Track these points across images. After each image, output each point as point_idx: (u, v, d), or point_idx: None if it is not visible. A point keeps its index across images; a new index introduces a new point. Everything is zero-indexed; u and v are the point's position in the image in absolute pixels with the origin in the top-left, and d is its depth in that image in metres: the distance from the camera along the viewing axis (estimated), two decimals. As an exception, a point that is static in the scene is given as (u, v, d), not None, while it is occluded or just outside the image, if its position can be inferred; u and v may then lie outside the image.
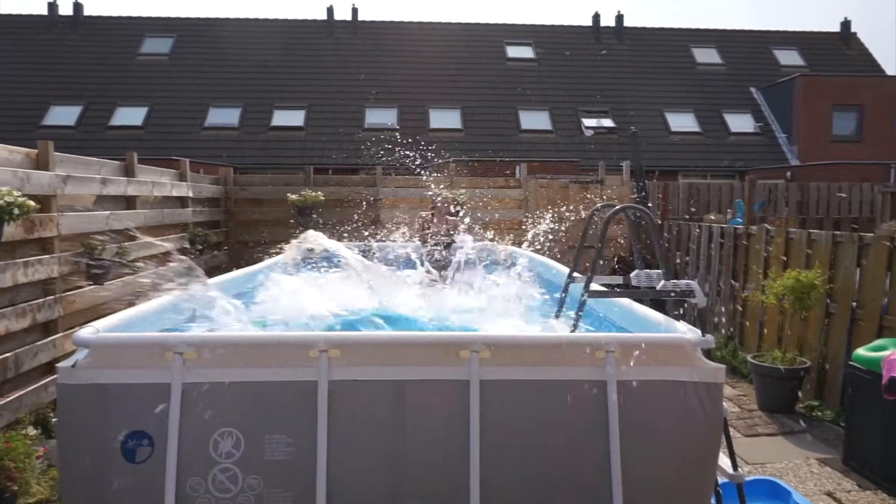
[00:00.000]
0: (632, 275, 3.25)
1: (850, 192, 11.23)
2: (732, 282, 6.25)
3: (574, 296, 3.37)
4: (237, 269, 6.77)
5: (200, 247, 6.98)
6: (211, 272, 7.72)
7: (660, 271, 3.13)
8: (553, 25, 25.62)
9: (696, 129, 21.78)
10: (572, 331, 2.77)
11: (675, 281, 2.91)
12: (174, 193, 6.69)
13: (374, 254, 6.82)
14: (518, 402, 2.34)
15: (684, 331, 2.58)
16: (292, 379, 2.29)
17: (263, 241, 8.46)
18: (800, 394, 4.85)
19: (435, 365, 2.33)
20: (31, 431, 3.91)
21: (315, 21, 25.15)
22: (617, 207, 3.00)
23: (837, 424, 4.57)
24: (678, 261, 7.67)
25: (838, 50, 25.25)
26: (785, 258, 5.39)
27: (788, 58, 24.53)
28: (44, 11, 24.27)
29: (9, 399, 3.82)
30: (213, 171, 9.42)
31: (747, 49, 24.70)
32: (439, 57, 23.36)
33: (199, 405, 2.26)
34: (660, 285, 2.91)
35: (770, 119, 22.29)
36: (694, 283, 2.90)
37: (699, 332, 2.56)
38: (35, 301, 4.14)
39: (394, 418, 2.30)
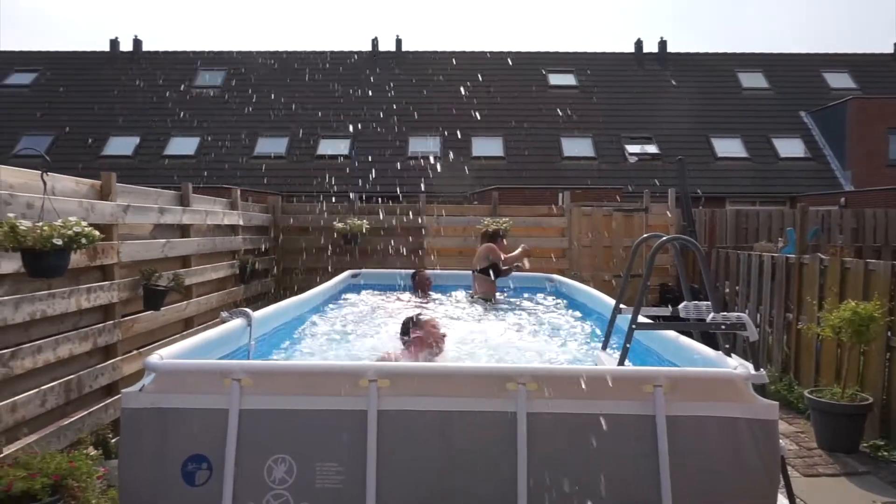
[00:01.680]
0: (680, 306, 3.22)
1: (910, 219, 10.80)
2: (786, 314, 6.07)
3: (621, 327, 3.35)
4: (285, 296, 6.95)
5: (249, 273, 7.17)
6: (259, 298, 7.94)
7: (708, 303, 3.10)
8: (595, 52, 25.69)
9: (744, 154, 21.36)
10: (619, 363, 2.75)
11: (725, 313, 2.87)
12: (226, 222, 6.93)
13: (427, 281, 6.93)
14: (565, 435, 2.34)
15: (735, 365, 2.54)
16: (343, 408, 2.35)
17: (309, 269, 8.69)
18: (863, 432, 4.65)
19: (482, 397, 2.35)
20: (92, 451, 4.06)
21: (360, 52, 25.86)
22: (663, 238, 2.99)
23: (904, 465, 4.36)
24: (726, 290, 7.50)
25: (892, 71, 24.52)
26: (840, 289, 5.23)
27: (839, 80, 23.94)
28: (106, 48, 25.62)
29: (72, 419, 3.98)
30: (261, 199, 9.71)
31: (795, 72, 24.23)
32: (481, 85, 23.64)
33: (254, 431, 2.34)
34: (709, 318, 2.87)
35: (821, 143, 21.71)
36: (745, 316, 2.86)
37: (751, 366, 2.51)
38: (96, 325, 4.33)
39: (441, 448, 2.33)
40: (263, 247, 8.45)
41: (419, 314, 4.14)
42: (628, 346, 2.79)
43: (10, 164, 3.80)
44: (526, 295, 6.79)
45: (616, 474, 2.31)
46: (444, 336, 3.88)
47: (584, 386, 2.36)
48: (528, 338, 4.59)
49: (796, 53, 25.42)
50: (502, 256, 6.58)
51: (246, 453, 2.30)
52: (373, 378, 2.33)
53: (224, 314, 3.52)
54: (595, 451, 2.32)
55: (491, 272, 6.44)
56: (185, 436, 2.34)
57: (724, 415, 2.33)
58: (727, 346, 2.84)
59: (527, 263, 6.92)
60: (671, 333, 3.29)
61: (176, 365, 2.41)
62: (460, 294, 6.75)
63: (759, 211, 11.11)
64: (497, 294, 6.60)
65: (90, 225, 4.24)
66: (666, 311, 3.36)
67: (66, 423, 3.92)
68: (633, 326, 2.77)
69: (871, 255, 7.62)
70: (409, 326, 3.95)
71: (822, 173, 20.89)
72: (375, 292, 6.87)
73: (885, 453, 4.58)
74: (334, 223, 8.47)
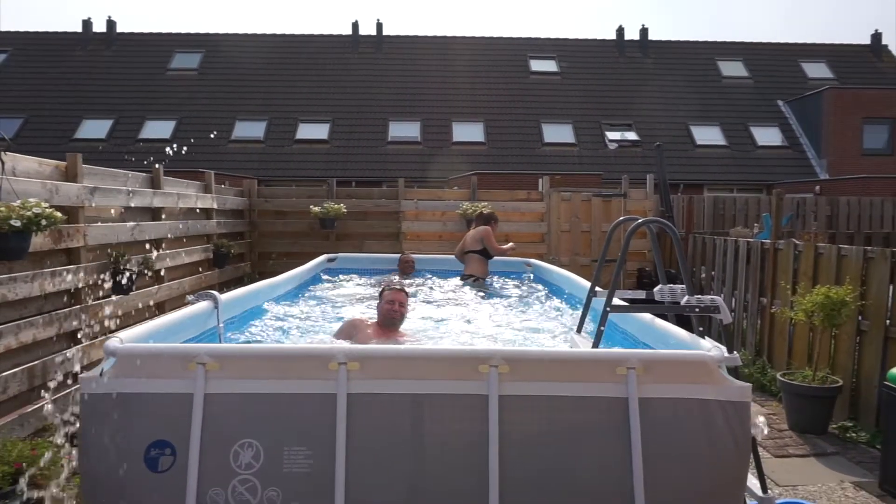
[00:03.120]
0: (655, 289, 3.20)
1: (882, 206, 10.98)
2: (760, 298, 6.13)
3: (596, 310, 3.33)
4: (260, 279, 6.86)
5: (224, 257, 7.05)
6: (234, 283, 7.82)
7: (683, 286, 3.09)
8: (576, 39, 25.64)
9: (723, 142, 21.53)
10: (594, 346, 2.73)
11: (699, 296, 2.86)
12: (199, 205, 6.79)
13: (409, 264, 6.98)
14: (537, 417, 2.31)
15: (709, 348, 2.53)
16: (312, 391, 2.29)
17: (285, 253, 8.58)
18: (833, 414, 4.72)
19: (454, 379, 2.31)
20: (58, 439, 3.96)
21: (340, 36, 25.50)
22: (639, 221, 2.97)
23: (873, 447, 4.42)
24: (703, 275, 7.56)
25: (868, 62, 24.83)
26: (814, 274, 5.28)
27: (817, 70, 24.19)
28: (79, 29, 24.96)
29: (36, 406, 3.88)
30: (238, 183, 9.55)
31: (774, 62, 24.42)
32: (463, 71, 23.52)
33: (220, 416, 2.28)
34: (684, 301, 2.86)
35: (798, 132, 21.96)
36: (719, 299, 2.85)
37: (724, 349, 2.51)
38: (62, 310, 4.21)
39: (412, 432, 2.29)
40: (239, 231, 8.32)
41: (388, 284, 4.24)
42: (602, 328, 2.77)
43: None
44: (504, 279, 6.80)
45: (589, 457, 2.29)
46: (400, 308, 3.99)
47: (556, 368, 2.34)
48: (504, 320, 4.57)
49: (775, 43, 25.61)
50: (494, 244, 6.68)
51: (211, 438, 2.24)
52: (342, 361, 2.28)
53: (190, 297, 3.44)
54: (568, 434, 2.30)
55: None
56: (147, 421, 2.27)
57: (696, 396, 2.32)
58: (701, 329, 2.84)
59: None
60: (646, 316, 3.28)
61: (137, 349, 2.33)
62: (454, 280, 6.73)
63: (735, 198, 11.21)
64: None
65: (54, 207, 4.13)
66: (641, 294, 3.35)
67: (30, 409, 3.81)
68: (608, 309, 2.75)
69: (844, 242, 7.73)
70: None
71: (799, 161, 21.15)
72: (351, 277, 6.82)
73: (854, 434, 4.65)
74: (311, 207, 8.36)
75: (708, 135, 21.66)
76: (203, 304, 3.34)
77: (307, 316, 4.69)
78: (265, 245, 8.76)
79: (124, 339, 2.46)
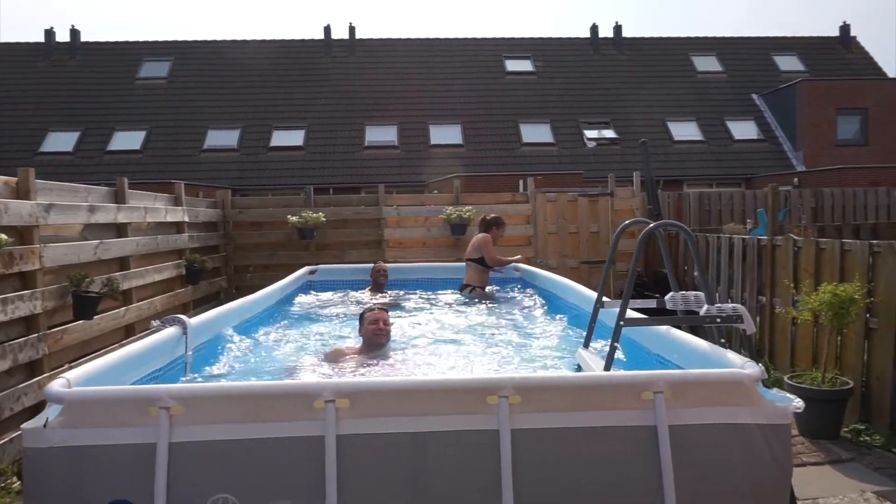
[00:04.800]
0: (667, 297, 2.95)
1: (866, 196, 10.94)
2: (759, 296, 5.93)
3: (604, 322, 3.07)
4: (238, 294, 6.51)
5: (198, 273, 6.68)
6: (210, 299, 7.44)
7: (700, 293, 2.84)
8: (551, 38, 25.54)
9: (699, 137, 21.56)
10: (607, 366, 2.45)
11: (719, 305, 2.61)
12: (169, 219, 6.41)
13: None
14: (556, 453, 2.03)
15: (740, 364, 2.28)
16: (295, 434, 1.99)
17: (264, 266, 8.21)
18: (844, 417, 4.51)
19: (459, 413, 2.02)
20: (15, 483, 3.59)
21: (312, 41, 25.10)
22: (654, 224, 2.70)
23: (889, 450, 4.22)
24: (695, 274, 7.36)
25: (839, 54, 25.10)
26: (815, 270, 5.09)
27: (789, 63, 24.37)
28: (41, 39, 24.21)
29: (-13, 449, 3.51)
30: (211, 194, 9.15)
31: (747, 56, 24.56)
32: (438, 73, 23.27)
33: (189, 468, 1.96)
34: (703, 310, 2.61)
35: (773, 125, 22.07)
36: (742, 308, 2.60)
37: (756, 364, 2.25)
38: (16, 340, 3.84)
39: (413, 476, 2.00)
40: (213, 244, 7.94)
41: (367, 308, 4.07)
42: (616, 345, 2.50)
43: None
44: (493, 286, 6.51)
45: (616, 495, 2.01)
46: (385, 327, 3.83)
47: (574, 396, 2.06)
48: (499, 335, 4.27)
49: (748, 37, 25.78)
50: (492, 254, 6.30)
51: (180, 495, 1.93)
52: (329, 398, 1.97)
53: (155, 323, 3.10)
54: (590, 470, 2.02)
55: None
56: (103, 479, 1.94)
57: (733, 421, 2.06)
58: (723, 340, 2.59)
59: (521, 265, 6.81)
60: (661, 327, 3.02)
61: (86, 393, 2.00)
62: (447, 291, 6.42)
63: (721, 193, 11.08)
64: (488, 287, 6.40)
65: (3, 227, 3.76)
66: (651, 302, 3.09)
67: (-20, 453, 3.44)
68: (622, 323, 2.48)
69: (832, 235, 7.60)
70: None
71: (775, 154, 21.25)
72: (334, 293, 6.45)
73: (867, 438, 4.45)
74: (288, 217, 8.01)
75: (685, 130, 21.67)
76: (170, 331, 3.01)
77: (288, 339, 4.34)
78: (242, 258, 8.38)
79: (72, 380, 2.13)
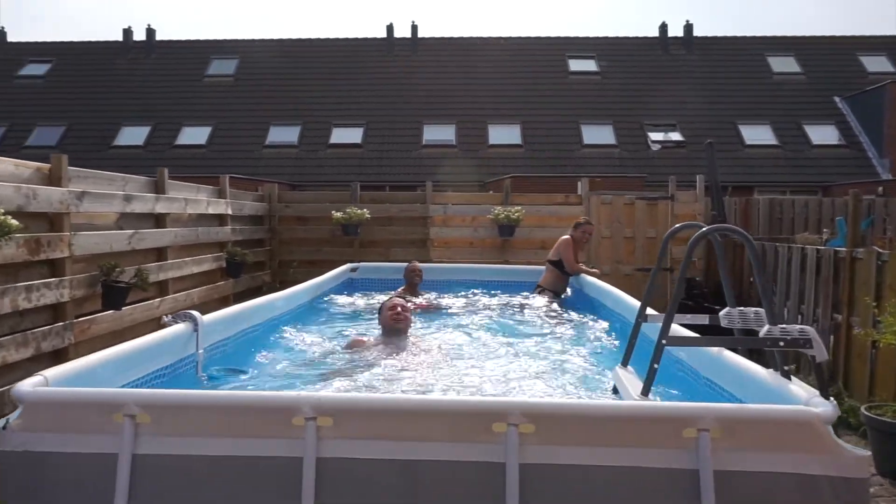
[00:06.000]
0: (722, 313, 2.56)
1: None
2: (834, 314, 5.35)
3: (648, 337, 2.70)
4: (280, 289, 6.39)
5: (239, 266, 6.62)
6: (252, 293, 7.39)
7: (760, 310, 2.43)
8: (617, 37, 24.74)
9: (774, 141, 20.35)
10: (644, 391, 2.10)
11: (783, 325, 2.21)
12: (211, 211, 6.36)
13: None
14: (573, 495, 1.70)
15: (806, 397, 1.88)
16: (271, 454, 1.74)
17: (307, 261, 8.12)
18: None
19: (458, 441, 1.73)
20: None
21: (375, 39, 25.21)
22: (706, 228, 2.33)
23: (984, 500, 3.66)
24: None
25: (933, 55, 23.21)
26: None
27: (877, 64, 22.69)
28: (119, 37, 25.30)
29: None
30: (269, 189, 9.14)
31: (829, 56, 23.04)
32: (499, 72, 22.90)
33: (152, 484, 1.75)
34: (763, 331, 2.21)
35: (857, 130, 20.59)
36: (811, 330, 2.19)
37: (828, 399, 1.86)
38: (40, 328, 3.78)
39: (404, 511, 1.72)
40: (258, 238, 7.90)
41: (390, 297, 3.97)
42: (656, 366, 2.14)
43: (21, 155, 3.27)
44: (525, 292, 6.13)
45: (642, 552, 1.67)
46: (404, 319, 3.67)
47: (599, 428, 1.73)
48: (535, 347, 3.92)
49: (830, 36, 24.21)
50: (571, 258, 6.00)
51: (140, 515, 1.71)
52: (310, 415, 1.72)
53: (166, 318, 2.94)
54: (613, 519, 1.69)
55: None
56: (62, 490, 1.76)
57: (796, 471, 1.68)
58: (786, 368, 2.18)
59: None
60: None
61: (46, 395, 1.82)
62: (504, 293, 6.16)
63: (794, 200, 10.30)
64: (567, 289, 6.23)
65: (32, 213, 3.72)
66: (703, 318, 2.70)
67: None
68: (664, 342, 2.12)
69: (924, 248, 6.84)
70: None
71: (858, 161, 19.81)
72: (369, 292, 6.22)
73: (958, 482, 3.86)
74: (333, 212, 7.88)
75: (758, 134, 20.50)
76: (178, 328, 2.84)
77: (319, 339, 4.11)
78: (286, 253, 8.32)
79: (50, 378, 1.96)
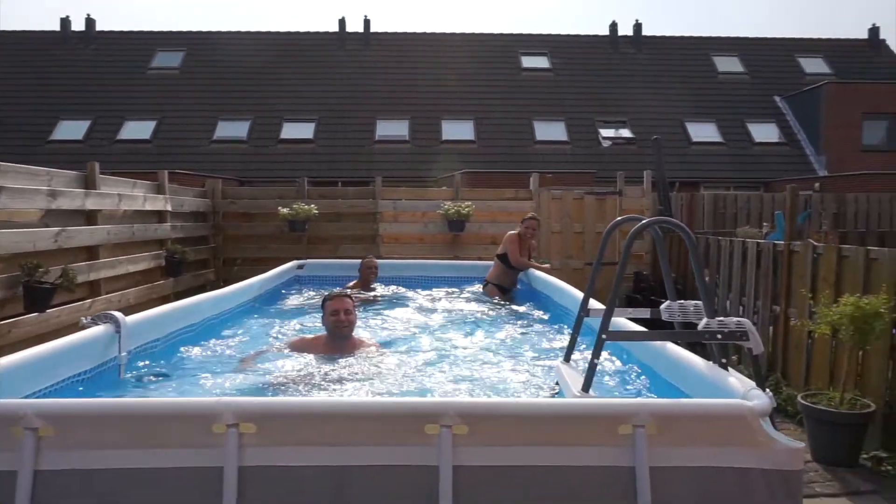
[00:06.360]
0: (662, 307, 2.55)
1: (892, 203, 10.40)
2: (773, 306, 5.49)
3: (593, 330, 2.68)
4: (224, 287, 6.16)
5: (179, 264, 6.37)
6: (194, 292, 7.12)
7: (699, 303, 2.44)
8: (569, 35, 25.01)
9: (719, 139, 20.95)
10: (584, 387, 2.07)
11: (721, 318, 2.21)
12: (148, 207, 6.10)
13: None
14: (508, 497, 1.65)
15: (743, 390, 1.88)
16: (189, 465, 1.63)
17: (254, 259, 7.89)
18: (863, 443, 4.07)
19: (390, 445, 1.65)
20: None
21: (326, 33, 24.81)
22: (644, 221, 2.31)
23: (913, 483, 3.79)
24: (706, 279, 6.91)
25: (866, 57, 24.30)
26: (836, 280, 4.64)
27: (814, 66, 23.63)
28: (57, 27, 24.18)
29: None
30: (199, 182, 8.85)
31: (771, 57, 23.85)
32: (452, 68, 22.85)
33: (59, 501, 1.61)
34: (702, 323, 2.21)
35: (796, 128, 21.39)
36: (748, 322, 2.20)
37: (764, 392, 1.86)
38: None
39: (333, 520, 1.63)
40: (201, 235, 7.63)
41: (328, 294, 3.79)
42: (596, 361, 2.11)
43: None
44: (475, 286, 6.11)
45: (579, 553, 1.63)
46: (347, 326, 3.56)
47: (534, 427, 1.68)
48: (482, 344, 3.87)
49: (771, 38, 25.07)
50: (515, 253, 5.99)
51: (43, 535, 1.58)
52: (231, 422, 1.61)
53: (84, 320, 2.76)
54: (549, 520, 1.64)
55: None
56: (-47, 511, 1.60)
57: (732, 465, 1.66)
58: (724, 360, 2.19)
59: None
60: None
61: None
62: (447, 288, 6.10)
63: (737, 195, 10.59)
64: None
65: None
66: (644, 312, 2.69)
67: None
68: (604, 337, 2.09)
69: (855, 242, 7.11)
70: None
71: (797, 158, 20.58)
72: (315, 290, 6.07)
73: (890, 467, 4.00)
74: (279, 208, 7.67)
75: (704, 132, 21.06)
76: (97, 330, 2.67)
77: (261, 338, 3.96)
78: (231, 250, 8.06)
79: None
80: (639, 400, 1.83)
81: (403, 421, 1.65)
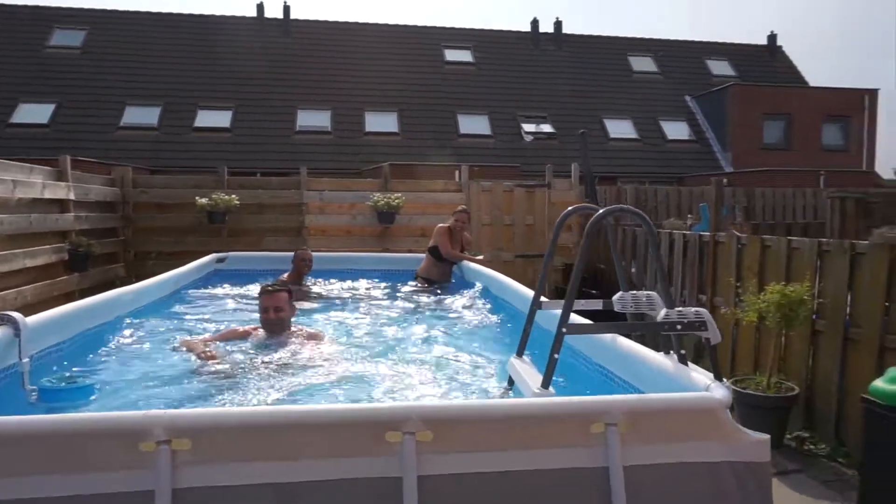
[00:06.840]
0: (614, 298, 2.51)
1: (794, 197, 11.09)
2: (699, 294, 5.67)
3: (542, 327, 2.59)
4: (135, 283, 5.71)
5: (84, 259, 5.85)
6: (103, 288, 6.58)
7: (652, 293, 2.40)
8: (492, 30, 25.20)
9: (634, 135, 21.77)
10: (544, 384, 1.97)
11: (680, 309, 2.18)
12: (48, 195, 5.54)
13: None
14: (477, 506, 1.53)
15: (706, 383, 1.84)
16: (115, 490, 1.40)
17: (169, 252, 7.39)
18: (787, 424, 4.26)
19: (347, 456, 1.48)
20: None
21: (244, 18, 23.83)
22: (601, 211, 2.24)
23: (834, 461, 3.99)
24: (633, 270, 7.09)
25: (766, 61, 25.93)
26: (760, 269, 4.83)
27: (720, 68, 24.98)
28: (-63, -1, 21.90)
29: None
30: (123, 172, 8.19)
31: (682, 59, 25.00)
32: (375, 59, 22.48)
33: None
34: (661, 315, 2.17)
35: (704, 127, 22.55)
36: (705, 313, 2.18)
37: (724, 383, 1.82)
38: None
39: (282, 542, 1.45)
40: (110, 227, 7.06)
41: (263, 288, 3.62)
42: (556, 356, 2.02)
43: None
44: (411, 282, 5.98)
45: (552, 562, 1.53)
46: (276, 314, 3.42)
47: (502, 430, 1.56)
48: (425, 340, 3.73)
49: (682, 40, 26.26)
50: (446, 245, 5.87)
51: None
52: (162, 438, 1.40)
53: (-25, 323, 2.40)
54: (521, 529, 1.53)
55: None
56: None
57: (702, 459, 1.61)
58: (683, 352, 2.15)
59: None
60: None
61: None
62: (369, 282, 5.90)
63: (657, 189, 10.97)
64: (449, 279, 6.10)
65: None
66: (597, 303, 2.64)
67: None
68: (564, 331, 2.01)
69: (766, 233, 7.50)
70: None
71: (705, 155, 21.70)
72: (239, 284, 5.72)
73: (811, 446, 4.21)
74: (197, 198, 7.21)
75: (620, 128, 21.82)
76: (-6, 333, 2.32)
77: (182, 341, 3.64)
78: (143, 243, 7.51)
79: None
80: (611, 397, 1.75)
81: (361, 429, 1.49)
